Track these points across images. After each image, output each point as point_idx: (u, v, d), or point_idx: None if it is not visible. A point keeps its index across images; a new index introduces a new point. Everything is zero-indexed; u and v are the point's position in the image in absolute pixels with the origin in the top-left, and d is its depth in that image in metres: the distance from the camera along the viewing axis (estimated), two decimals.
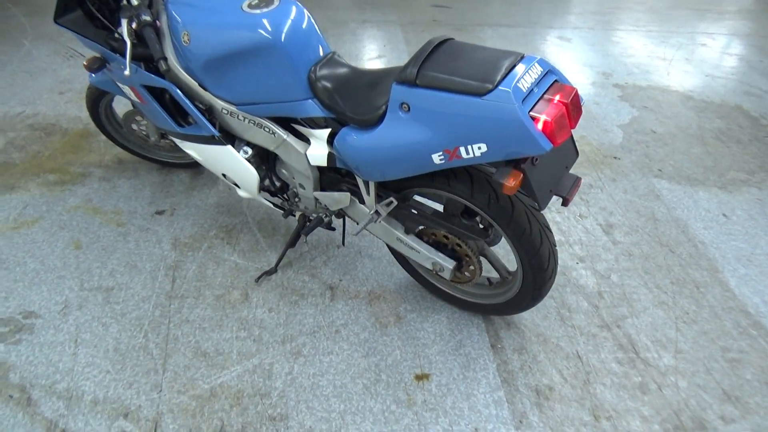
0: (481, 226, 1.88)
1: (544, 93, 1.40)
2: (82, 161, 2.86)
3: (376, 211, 1.86)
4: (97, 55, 2.07)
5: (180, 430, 1.70)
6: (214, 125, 1.97)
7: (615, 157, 3.09)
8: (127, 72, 1.75)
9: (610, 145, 3.21)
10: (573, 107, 1.40)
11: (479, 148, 1.42)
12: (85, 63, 2.02)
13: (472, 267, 1.88)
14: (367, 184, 1.81)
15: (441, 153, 1.48)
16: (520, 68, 1.39)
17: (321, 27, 4.66)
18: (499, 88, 1.35)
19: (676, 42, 4.75)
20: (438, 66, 1.46)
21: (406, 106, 1.49)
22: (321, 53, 1.76)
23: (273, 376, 1.86)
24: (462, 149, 1.44)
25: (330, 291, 2.19)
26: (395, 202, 1.81)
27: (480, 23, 4.93)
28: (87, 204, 2.58)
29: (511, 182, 1.42)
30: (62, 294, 2.13)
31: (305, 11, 1.76)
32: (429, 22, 4.88)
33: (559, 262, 2.35)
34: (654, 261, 2.39)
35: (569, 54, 4.41)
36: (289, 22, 1.69)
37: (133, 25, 1.76)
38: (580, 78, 4.00)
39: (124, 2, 1.83)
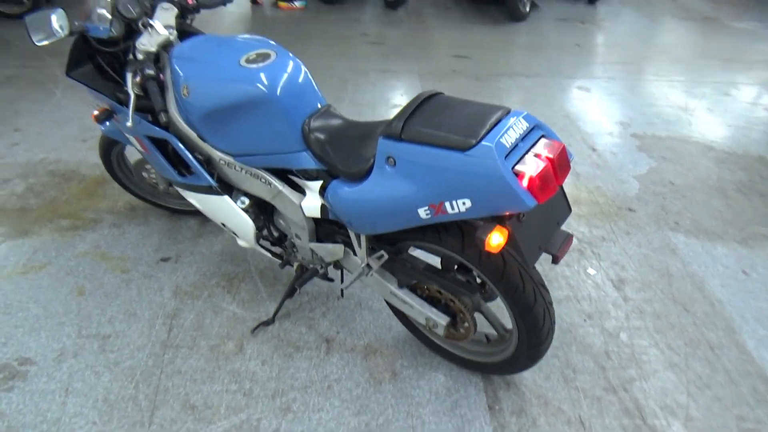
0: (478, 281, 1.83)
1: (531, 148, 1.38)
2: (95, 207, 2.92)
3: (368, 264, 1.83)
4: (106, 106, 2.13)
5: None
6: (212, 175, 1.99)
7: (630, 209, 3.01)
8: (129, 123, 1.80)
9: (625, 196, 3.13)
10: (560, 163, 1.36)
11: (464, 203, 1.39)
12: (94, 114, 2.08)
13: (466, 324, 1.82)
14: (358, 236, 1.78)
15: (426, 208, 1.45)
16: (505, 123, 1.37)
17: (342, 76, 4.75)
18: (482, 143, 1.33)
19: (699, 92, 4.68)
20: (424, 120, 1.45)
21: (392, 160, 1.47)
22: (317, 106, 1.78)
23: None
24: (447, 204, 1.41)
25: (326, 344, 2.15)
26: (386, 256, 1.78)
27: (499, 73, 4.96)
28: (95, 250, 2.62)
29: (493, 239, 1.38)
30: (60, 341, 2.14)
31: (302, 65, 1.79)
32: (448, 72, 4.93)
33: (566, 318, 2.27)
34: (667, 319, 2.28)
35: (588, 104, 4.38)
36: (285, 76, 1.71)
37: (137, 79, 1.81)
38: (598, 128, 3.96)
39: (131, 57, 1.89)
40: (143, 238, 2.70)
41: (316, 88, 1.79)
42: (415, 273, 1.81)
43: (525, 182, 1.30)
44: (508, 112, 1.43)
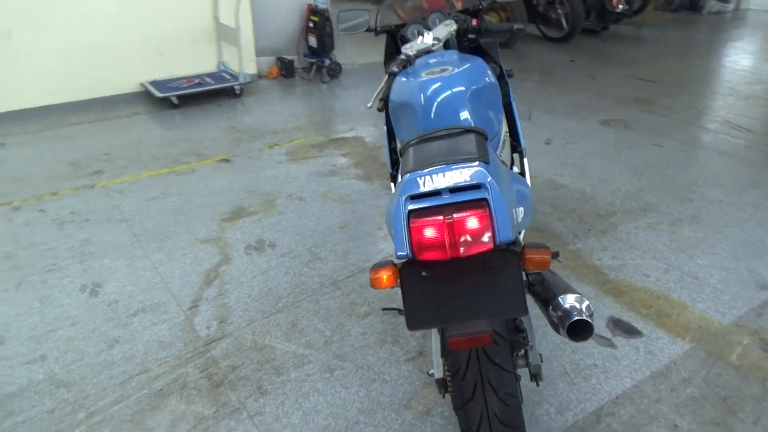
0: None
1: (456, 204, 1.20)
2: None
3: None
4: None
5: None
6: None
7: None
8: (369, 104, 1.91)
9: None
10: (468, 231, 1.17)
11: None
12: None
13: None
14: None
15: None
16: (449, 167, 1.23)
17: None
18: (407, 174, 1.25)
19: None
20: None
21: None
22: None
23: None
24: None
25: None
26: None
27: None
28: None
29: (375, 275, 1.26)
30: None
31: (457, 84, 1.82)
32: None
33: None
34: None
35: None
36: (431, 90, 1.79)
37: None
38: None
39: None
40: None
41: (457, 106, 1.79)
42: None
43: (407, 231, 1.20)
44: (473, 160, 1.26)
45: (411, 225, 1.16)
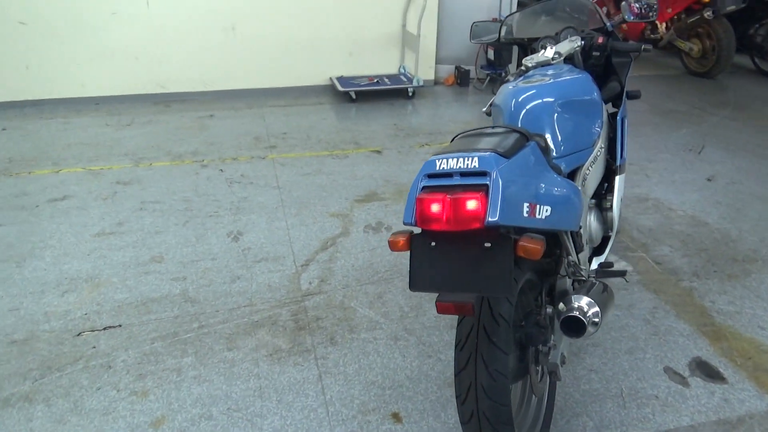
0: None
1: (462, 186, 1.35)
2: None
3: None
4: None
5: None
6: None
7: None
8: (484, 109, 2.18)
9: None
10: (464, 210, 1.30)
11: None
12: None
13: None
14: None
15: None
16: (464, 155, 1.38)
17: None
18: (432, 156, 1.41)
19: None
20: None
21: None
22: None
23: None
24: None
25: None
26: None
27: None
28: None
29: (393, 238, 1.42)
30: None
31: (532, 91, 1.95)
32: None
33: None
34: None
35: None
36: (511, 95, 1.96)
37: None
38: None
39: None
40: None
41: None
42: None
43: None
44: (490, 151, 1.40)
45: (417, 197, 1.34)
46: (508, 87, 2.04)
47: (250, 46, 5.30)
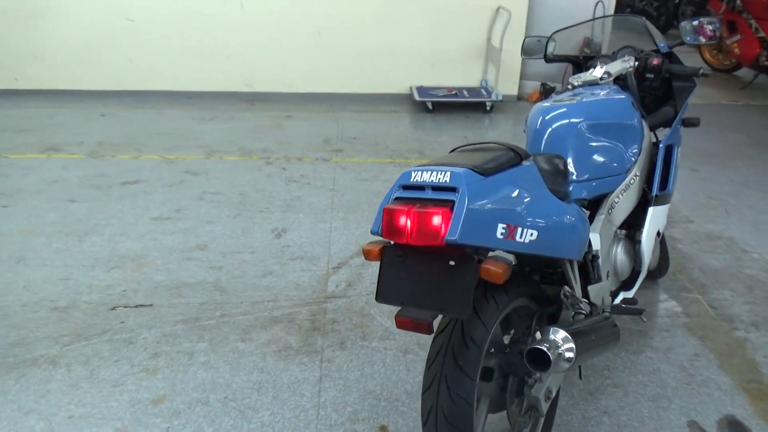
0: None
1: (430, 200, 1.30)
2: None
3: None
4: None
5: None
6: None
7: None
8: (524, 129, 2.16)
9: None
10: (429, 225, 1.24)
11: None
12: None
13: None
14: None
15: None
16: (434, 170, 1.33)
17: None
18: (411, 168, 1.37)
19: None
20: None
21: None
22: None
23: None
24: None
25: None
26: None
27: None
28: None
29: (367, 248, 1.38)
30: None
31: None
32: None
33: None
34: None
35: None
36: (540, 113, 1.93)
37: None
38: None
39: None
40: None
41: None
42: None
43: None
44: (465, 167, 1.33)
45: (385, 208, 1.31)
46: (538, 105, 1.96)
47: (333, 51, 5.44)
